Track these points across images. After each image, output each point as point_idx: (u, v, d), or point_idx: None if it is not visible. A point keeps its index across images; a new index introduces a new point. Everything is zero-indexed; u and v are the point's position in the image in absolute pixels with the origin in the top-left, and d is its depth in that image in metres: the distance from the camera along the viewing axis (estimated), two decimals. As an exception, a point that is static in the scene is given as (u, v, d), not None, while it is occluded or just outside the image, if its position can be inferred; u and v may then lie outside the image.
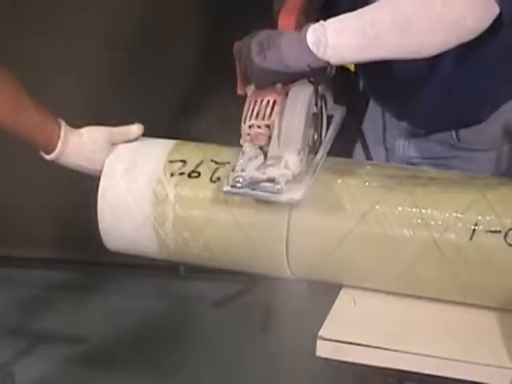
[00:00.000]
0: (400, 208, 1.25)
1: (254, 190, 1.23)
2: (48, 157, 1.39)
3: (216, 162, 1.35)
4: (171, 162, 1.37)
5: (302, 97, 1.26)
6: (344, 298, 1.32)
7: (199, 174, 1.34)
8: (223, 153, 1.37)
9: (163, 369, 2.49)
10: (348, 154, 1.65)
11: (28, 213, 2.84)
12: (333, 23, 1.22)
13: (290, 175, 1.23)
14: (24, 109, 1.35)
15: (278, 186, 1.22)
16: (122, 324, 2.71)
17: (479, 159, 1.50)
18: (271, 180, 1.22)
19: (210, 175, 1.33)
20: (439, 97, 1.44)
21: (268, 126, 1.25)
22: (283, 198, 1.23)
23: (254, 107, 1.26)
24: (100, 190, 1.38)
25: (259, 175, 1.23)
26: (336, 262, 1.29)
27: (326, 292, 1.34)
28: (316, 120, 1.32)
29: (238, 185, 1.23)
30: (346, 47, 1.20)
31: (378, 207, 1.26)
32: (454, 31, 1.19)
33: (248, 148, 1.26)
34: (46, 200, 2.80)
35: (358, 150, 1.68)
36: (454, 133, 1.51)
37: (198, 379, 2.43)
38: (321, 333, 1.24)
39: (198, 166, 1.35)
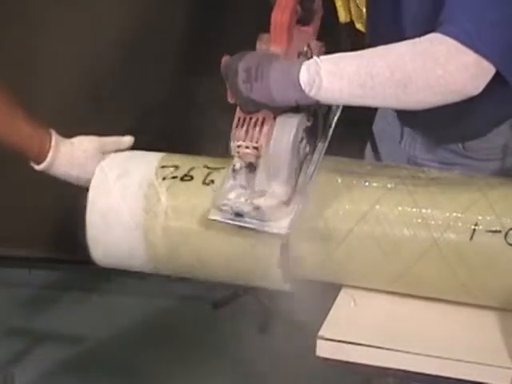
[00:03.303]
0: (400, 208, 1.25)
1: (240, 217, 1.23)
2: (38, 167, 1.38)
3: (208, 167, 1.34)
4: (163, 167, 1.35)
5: (289, 123, 1.23)
6: (344, 298, 1.32)
7: (192, 177, 1.33)
8: (216, 161, 1.35)
9: (163, 369, 2.49)
10: (359, 154, 1.64)
11: (28, 213, 2.84)
12: (328, 62, 1.18)
13: (277, 204, 1.22)
14: (15, 120, 1.34)
15: (264, 217, 1.22)
16: (121, 324, 2.71)
17: (483, 169, 1.48)
18: (257, 209, 1.22)
19: (202, 179, 1.32)
20: (438, 111, 1.43)
21: (256, 148, 1.23)
22: (270, 228, 1.22)
23: (242, 124, 1.24)
24: (90, 197, 1.36)
25: (246, 206, 1.22)
26: (336, 262, 1.29)
27: (325, 292, 1.34)
28: (309, 131, 1.28)
29: (225, 214, 1.23)
30: (340, 91, 1.17)
31: (378, 207, 1.26)
32: (452, 95, 1.17)
33: (238, 164, 1.24)
34: (45, 200, 2.79)
35: (369, 150, 1.67)
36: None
37: (198, 379, 2.43)
38: (321, 333, 1.24)
39: (190, 170, 1.34)
